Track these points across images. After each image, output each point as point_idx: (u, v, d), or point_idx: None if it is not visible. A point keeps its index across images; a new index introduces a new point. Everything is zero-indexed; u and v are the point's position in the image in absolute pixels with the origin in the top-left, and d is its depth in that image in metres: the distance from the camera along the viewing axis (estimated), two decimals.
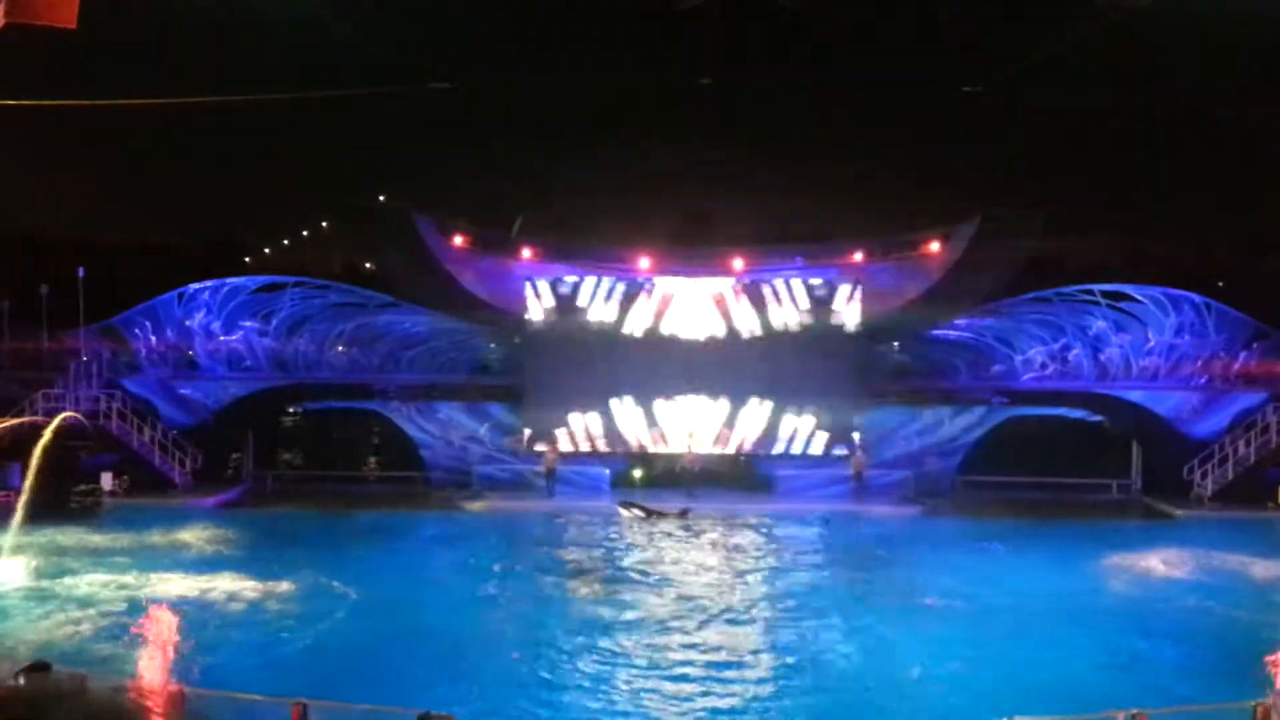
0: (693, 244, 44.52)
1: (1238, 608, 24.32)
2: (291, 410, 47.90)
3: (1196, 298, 41.13)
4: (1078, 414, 43.02)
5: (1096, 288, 41.88)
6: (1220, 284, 45.30)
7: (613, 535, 33.97)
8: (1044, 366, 42.93)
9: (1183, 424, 40.51)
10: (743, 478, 41.72)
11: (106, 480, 37.10)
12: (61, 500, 34.76)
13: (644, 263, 42.23)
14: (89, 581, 25.63)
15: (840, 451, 41.32)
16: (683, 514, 36.36)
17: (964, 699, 18.01)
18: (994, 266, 41.56)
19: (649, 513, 36.40)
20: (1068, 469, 41.83)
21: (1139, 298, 41.57)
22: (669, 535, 33.91)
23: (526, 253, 43.03)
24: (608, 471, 41.31)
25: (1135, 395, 41.13)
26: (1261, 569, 28.14)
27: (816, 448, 41.74)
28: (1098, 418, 43.14)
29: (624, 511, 36.81)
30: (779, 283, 42.15)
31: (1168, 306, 41.25)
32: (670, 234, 45.45)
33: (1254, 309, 40.92)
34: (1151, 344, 41.65)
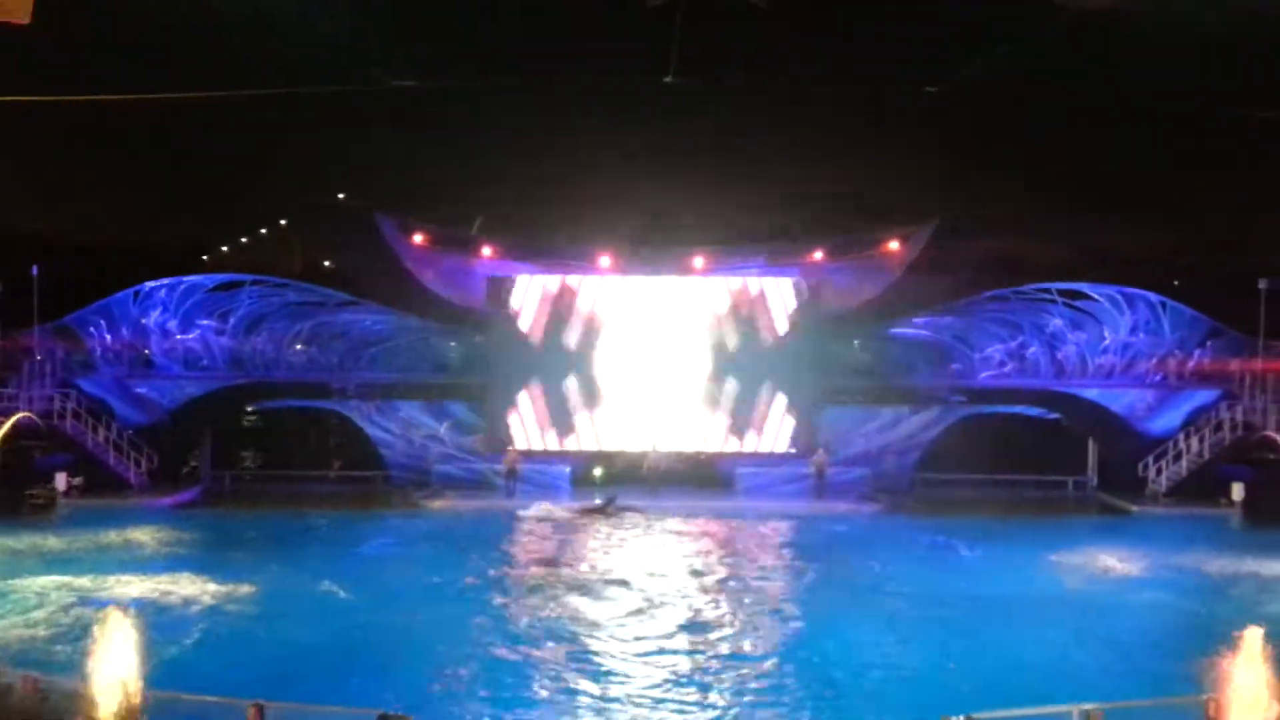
0: (654, 243, 44.59)
1: (1192, 603, 24.61)
2: (249, 410, 47.49)
3: (1152, 296, 41.56)
4: (1035, 411, 43.40)
5: (1053, 286, 42.24)
6: (1175, 283, 45.72)
7: (571, 533, 33.95)
8: (1002, 365, 43.26)
9: (1138, 421, 40.94)
10: (704, 476, 41.79)
11: (61, 481, 36.74)
12: (15, 501, 34.41)
13: (605, 261, 42.28)
14: (43, 583, 25.33)
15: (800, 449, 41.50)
16: (605, 507, 36.37)
17: (920, 694, 18.12)
18: (953, 265, 41.91)
19: (576, 512, 36.47)
20: (1025, 466, 42.24)
21: (1095, 296, 41.95)
22: (624, 534, 33.98)
23: (487, 251, 42.98)
24: (569, 470, 41.27)
25: (1091, 393, 41.52)
26: (1215, 565, 28.48)
27: (777, 446, 41.88)
28: (1054, 415, 43.52)
29: (541, 510, 36.87)
30: (741, 282, 42.33)
31: (1123, 305, 41.66)
32: (632, 233, 45.43)
33: (1208, 307, 41.40)
34: (1107, 342, 42.06)
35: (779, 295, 42.21)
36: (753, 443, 42.01)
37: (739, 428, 41.99)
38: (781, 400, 41.79)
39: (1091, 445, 42.52)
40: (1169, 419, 40.17)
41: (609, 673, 19.82)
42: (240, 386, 42.51)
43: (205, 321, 42.08)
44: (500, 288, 42.16)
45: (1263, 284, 38.86)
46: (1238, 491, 36.99)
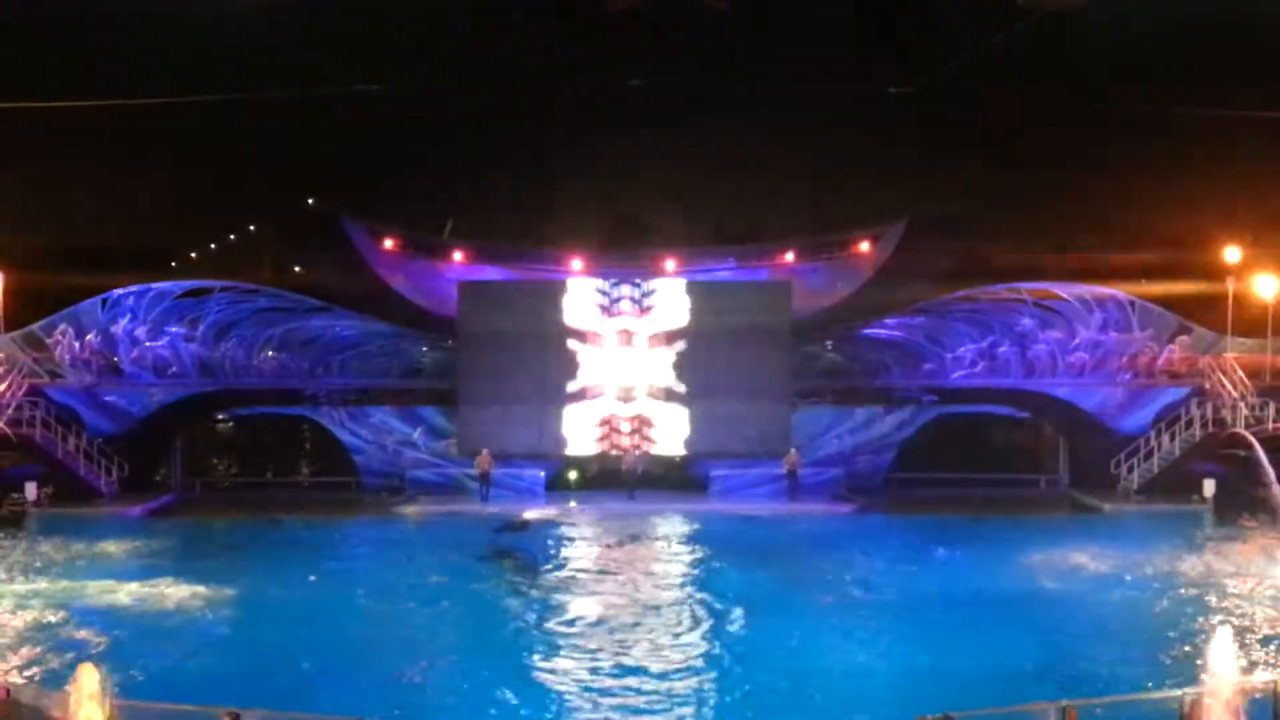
0: (625, 245, 44.57)
1: (1165, 601, 24.77)
2: (220, 417, 47.13)
3: (1120, 295, 41.77)
4: (1006, 410, 43.58)
5: (1023, 286, 42.42)
6: (1144, 281, 46.01)
7: (545, 539, 33.88)
8: (973, 364, 43.40)
9: (1108, 419, 41.16)
10: (679, 478, 41.71)
11: (30, 490, 36.37)
12: None
13: (576, 264, 42.19)
14: (13, 592, 25.14)
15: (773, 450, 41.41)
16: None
17: (897, 693, 18.15)
18: (922, 266, 42.08)
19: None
20: (997, 465, 42.41)
21: (1064, 295, 42.14)
22: (599, 540, 33.96)
23: (458, 255, 42.84)
24: (542, 474, 41.15)
25: (1062, 391, 41.71)
26: (1187, 562, 28.67)
27: (750, 447, 41.76)
28: (1025, 414, 43.72)
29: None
30: (711, 283, 42.31)
31: (1092, 304, 41.86)
32: (603, 235, 45.44)
33: (1177, 305, 41.71)
34: (1077, 341, 42.25)
35: (749, 296, 42.07)
36: (725, 444, 41.78)
37: (712, 429, 41.76)
38: (755, 401, 41.59)
39: (1063, 443, 42.71)
40: (1140, 417, 40.40)
41: (587, 679, 19.79)
42: (210, 394, 42.20)
43: (174, 328, 41.68)
44: (471, 291, 41.86)
45: (1230, 282, 39.29)
46: (1209, 488, 37.21)
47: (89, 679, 13.16)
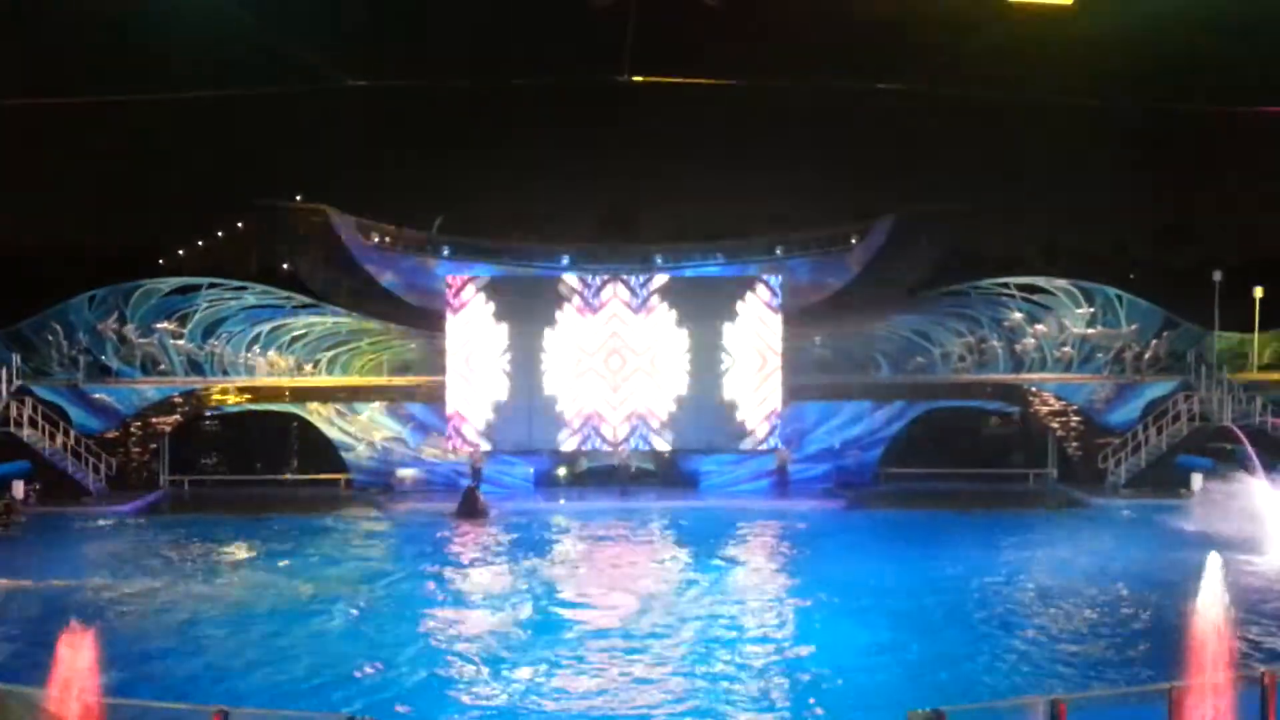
0: (614, 241, 44.46)
1: (1154, 594, 24.84)
2: (208, 414, 46.93)
3: (1109, 289, 41.88)
4: (994, 405, 43.66)
5: (1011, 280, 42.48)
6: (1132, 276, 46.21)
7: (535, 535, 33.86)
8: (961, 359, 43.49)
9: (1096, 413, 41.27)
10: (668, 474, 41.70)
11: (18, 488, 36.25)
12: None
13: (564, 260, 42.13)
14: (2, 589, 25.10)
15: (763, 446, 41.45)
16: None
17: (885, 688, 18.19)
18: (910, 260, 42.13)
19: None
20: (986, 459, 42.52)
21: (1052, 290, 42.24)
22: (596, 537, 33.98)
23: (446, 251, 42.70)
24: (533, 470, 41.12)
25: (1050, 385, 41.82)
26: (1175, 556, 28.70)
27: (740, 443, 41.77)
28: (1014, 408, 43.80)
29: None
30: (699, 279, 42.27)
31: (1080, 298, 41.96)
32: (592, 231, 45.38)
33: (1165, 300, 41.83)
34: (1065, 335, 42.35)
35: (737, 292, 42.05)
36: (715, 440, 41.77)
37: (701, 425, 41.73)
38: (743, 398, 41.61)
39: (1051, 438, 42.81)
40: (1127, 411, 40.55)
41: (579, 672, 19.80)
42: (198, 391, 42.02)
43: (162, 325, 41.56)
44: (459, 288, 41.78)
45: (1217, 276, 39.47)
46: (1197, 482, 37.31)
47: (77, 629, 13.20)
